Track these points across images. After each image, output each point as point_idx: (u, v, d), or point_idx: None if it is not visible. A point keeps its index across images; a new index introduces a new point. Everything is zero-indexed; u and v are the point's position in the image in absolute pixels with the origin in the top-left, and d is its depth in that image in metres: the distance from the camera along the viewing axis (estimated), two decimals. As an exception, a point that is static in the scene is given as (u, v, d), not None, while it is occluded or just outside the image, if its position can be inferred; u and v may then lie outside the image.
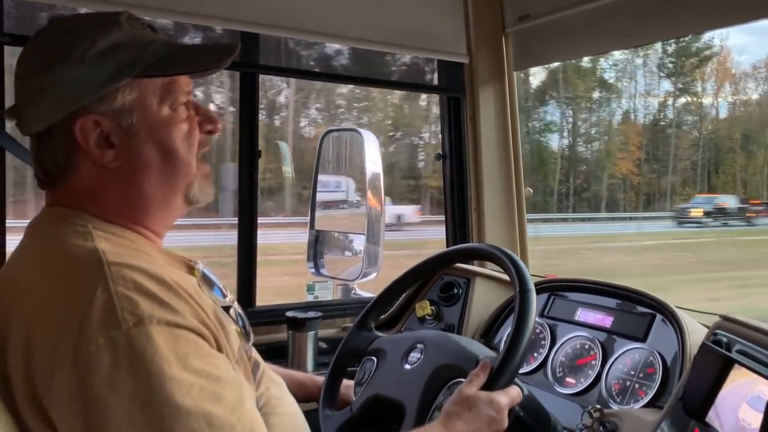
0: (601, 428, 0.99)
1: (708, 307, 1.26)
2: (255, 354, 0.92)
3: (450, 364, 0.99)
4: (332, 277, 1.83)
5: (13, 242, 0.84)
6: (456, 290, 1.48)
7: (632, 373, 1.12)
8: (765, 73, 30.44)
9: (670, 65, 29.78)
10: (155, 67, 0.78)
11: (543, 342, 1.29)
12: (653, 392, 1.07)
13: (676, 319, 1.12)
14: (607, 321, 1.23)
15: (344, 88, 18.02)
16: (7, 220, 1.33)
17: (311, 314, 1.53)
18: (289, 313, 1.53)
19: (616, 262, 13.20)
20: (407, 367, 1.04)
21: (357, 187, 1.71)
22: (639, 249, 16.31)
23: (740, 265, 12.93)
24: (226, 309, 0.83)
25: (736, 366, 0.85)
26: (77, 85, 0.75)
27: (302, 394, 1.13)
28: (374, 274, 1.71)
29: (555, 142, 28.68)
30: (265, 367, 0.95)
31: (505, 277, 1.02)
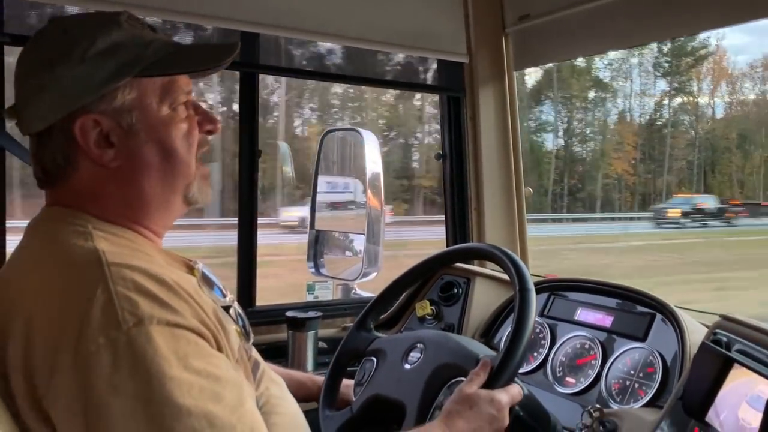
0: (600, 428, 0.99)
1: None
2: (255, 354, 0.92)
3: (450, 363, 0.99)
4: (332, 277, 1.83)
5: (14, 242, 0.84)
6: (456, 290, 1.48)
7: (632, 372, 1.12)
8: (762, 73, 30.51)
9: (666, 64, 29.82)
10: (155, 67, 0.78)
11: (543, 342, 1.29)
12: (653, 392, 1.07)
13: (675, 319, 1.12)
14: (607, 321, 1.24)
15: (338, 88, 18.01)
16: (8, 221, 1.33)
17: (311, 314, 1.53)
18: (289, 313, 1.53)
19: (598, 263, 13.07)
20: (407, 366, 1.04)
21: (364, 188, 1.72)
22: (625, 250, 16.19)
23: (725, 267, 12.87)
24: (226, 309, 0.83)
25: (736, 365, 0.85)
26: (77, 84, 0.75)
27: (302, 394, 1.13)
28: (374, 274, 1.71)
29: (549, 141, 28.72)
30: (265, 366, 0.95)
31: (505, 276, 1.02)
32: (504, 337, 1.36)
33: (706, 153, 30.04)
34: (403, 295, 1.53)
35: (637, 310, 1.21)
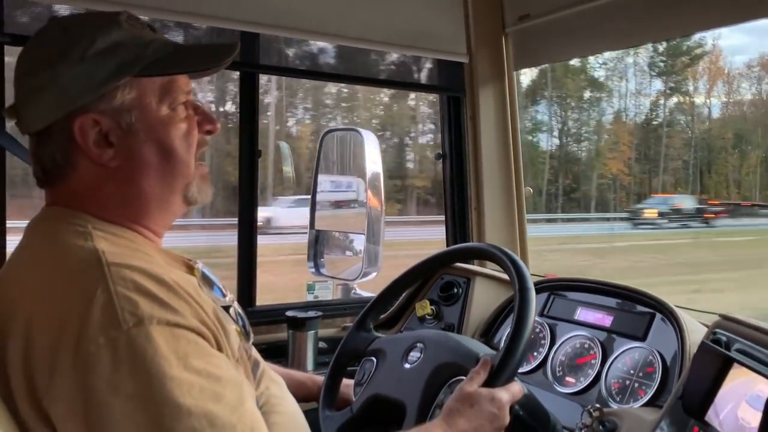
0: (600, 427, 0.99)
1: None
2: (255, 353, 0.92)
3: (450, 362, 0.99)
4: (332, 277, 1.83)
5: (14, 243, 0.84)
6: (456, 290, 1.48)
7: (632, 372, 1.13)
8: (758, 73, 30.51)
9: (661, 64, 29.77)
10: (155, 67, 0.78)
11: (543, 341, 1.29)
12: (653, 391, 1.07)
13: (675, 319, 1.12)
14: (606, 320, 1.24)
15: (332, 88, 17.95)
16: (8, 221, 1.33)
17: (311, 314, 1.53)
18: (289, 313, 1.53)
19: (579, 265, 12.80)
20: (407, 366, 1.04)
21: (365, 188, 1.72)
22: (609, 250, 15.89)
23: (707, 268, 12.68)
24: (226, 308, 0.83)
25: (736, 365, 0.85)
26: (77, 83, 0.75)
27: (302, 394, 1.13)
28: (374, 274, 1.71)
29: (544, 141, 28.66)
30: (265, 366, 0.94)
31: (505, 276, 1.02)
32: (504, 337, 1.36)
33: (702, 153, 29.99)
34: (403, 294, 1.53)
35: (637, 310, 1.22)
